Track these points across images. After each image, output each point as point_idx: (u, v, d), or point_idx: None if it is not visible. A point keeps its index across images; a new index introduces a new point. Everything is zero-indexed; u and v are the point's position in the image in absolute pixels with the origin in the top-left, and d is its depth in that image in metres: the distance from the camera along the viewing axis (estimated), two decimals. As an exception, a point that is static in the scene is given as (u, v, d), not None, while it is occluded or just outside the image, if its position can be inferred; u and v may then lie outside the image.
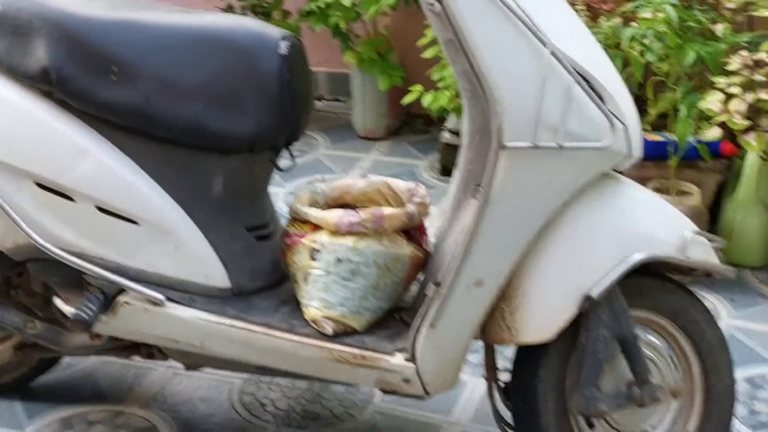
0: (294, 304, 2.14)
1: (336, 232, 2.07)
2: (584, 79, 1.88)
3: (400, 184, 2.27)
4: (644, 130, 3.08)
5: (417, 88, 3.45)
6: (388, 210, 2.09)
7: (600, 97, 1.89)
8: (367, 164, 3.99)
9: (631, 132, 1.93)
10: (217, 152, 2.13)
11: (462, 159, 2.14)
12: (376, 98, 4.11)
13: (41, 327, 2.25)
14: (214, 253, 2.13)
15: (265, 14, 4.18)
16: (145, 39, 2.08)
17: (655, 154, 3.04)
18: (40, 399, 2.53)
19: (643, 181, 3.07)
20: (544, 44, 1.82)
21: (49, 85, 2.07)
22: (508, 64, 1.83)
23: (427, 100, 3.41)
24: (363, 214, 2.07)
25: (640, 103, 3.10)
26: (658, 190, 3.10)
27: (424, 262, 2.18)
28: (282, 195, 3.60)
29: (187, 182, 2.12)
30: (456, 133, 3.57)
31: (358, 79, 4.12)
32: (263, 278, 2.21)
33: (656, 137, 3.12)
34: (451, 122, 3.78)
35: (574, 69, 1.86)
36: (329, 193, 2.29)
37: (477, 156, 2.06)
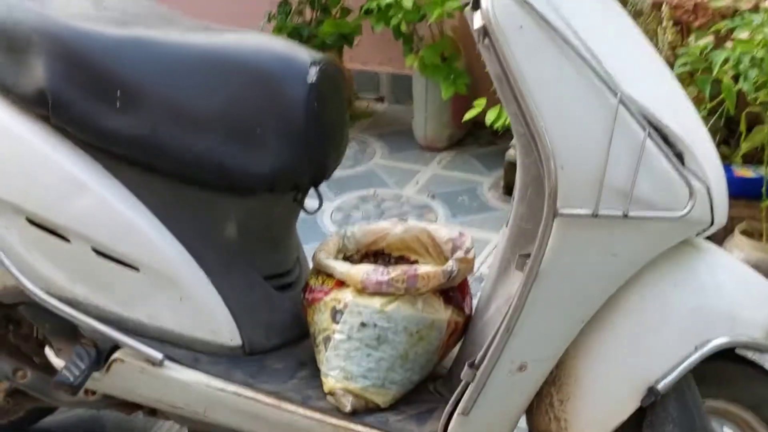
0: (313, 368, 1.91)
1: (362, 290, 1.80)
2: (659, 131, 1.55)
3: (441, 233, 2.00)
4: (734, 163, 2.76)
5: (480, 102, 3.15)
6: (423, 268, 1.82)
7: (678, 155, 1.57)
8: (425, 178, 3.69)
9: (714, 195, 1.62)
10: (233, 191, 1.90)
11: (513, 213, 1.83)
12: (438, 106, 3.84)
13: (32, 377, 2.05)
14: (224, 305, 1.91)
15: (324, 10, 3.91)
16: (154, 60, 1.85)
17: (745, 192, 2.69)
18: (37, 445, 2.32)
19: (730, 222, 2.73)
20: (614, 92, 1.50)
21: (45, 109, 1.85)
22: (567, 113, 1.54)
23: (490, 116, 3.10)
24: (393, 273, 1.80)
25: (731, 132, 2.77)
26: (747, 233, 2.77)
27: (464, 327, 1.89)
28: (329, 211, 3.33)
29: (196, 224, 1.90)
30: (523, 151, 3.25)
31: (421, 84, 3.84)
32: (280, 335, 1.99)
33: (748, 173, 2.79)
34: (518, 138, 3.46)
35: (648, 120, 1.54)
36: (361, 238, 2.03)
37: (530, 213, 1.76)
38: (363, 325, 1.80)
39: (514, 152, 3.46)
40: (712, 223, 1.65)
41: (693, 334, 1.66)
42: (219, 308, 1.89)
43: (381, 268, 1.81)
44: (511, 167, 3.44)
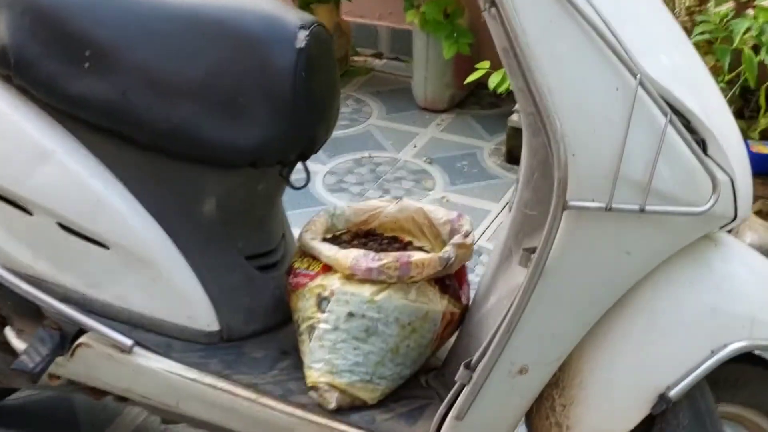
0: (296, 358, 1.79)
1: (350, 277, 1.66)
2: (681, 115, 1.40)
3: (439, 214, 1.86)
4: (752, 138, 2.61)
5: (484, 65, 2.98)
6: (417, 255, 1.68)
7: (701, 142, 1.42)
8: (424, 142, 3.53)
9: (738, 186, 1.47)
10: (213, 165, 1.76)
11: (517, 198, 1.68)
12: (440, 65, 3.67)
13: (-9, 356, 1.89)
14: (201, 288, 1.78)
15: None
16: (128, 19, 1.69)
17: (762, 169, 2.54)
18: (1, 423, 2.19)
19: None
20: (633, 73, 1.34)
21: (8, 69, 1.71)
22: (580, 94, 1.38)
23: (493, 80, 2.93)
24: (385, 258, 1.65)
25: (746, 103, 2.62)
26: (761, 214, 2.62)
27: (461, 318, 1.76)
28: (322, 174, 3.17)
29: (173, 200, 1.76)
30: (527, 116, 3.09)
31: (422, 41, 3.67)
32: (261, 320, 1.86)
33: (765, 149, 2.63)
34: (522, 102, 3.30)
35: (669, 104, 1.38)
36: (351, 216, 1.90)
37: (536, 199, 1.61)
38: (351, 315, 1.66)
39: (517, 117, 3.31)
40: (735, 218, 1.50)
41: (709, 336, 1.52)
42: (195, 291, 1.76)
43: (371, 253, 1.67)
44: (514, 132, 3.30)
